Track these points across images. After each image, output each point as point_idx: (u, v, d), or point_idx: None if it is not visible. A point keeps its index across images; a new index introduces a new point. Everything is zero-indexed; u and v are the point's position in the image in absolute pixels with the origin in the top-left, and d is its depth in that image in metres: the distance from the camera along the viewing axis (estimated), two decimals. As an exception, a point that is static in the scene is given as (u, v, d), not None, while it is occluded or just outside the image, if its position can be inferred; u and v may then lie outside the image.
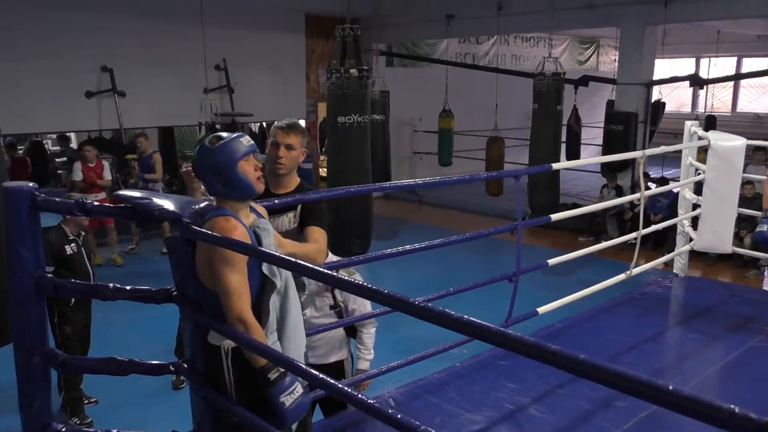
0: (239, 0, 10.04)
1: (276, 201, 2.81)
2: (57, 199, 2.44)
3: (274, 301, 2.34)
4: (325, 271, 1.80)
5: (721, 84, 17.54)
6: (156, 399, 4.50)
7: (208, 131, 9.12)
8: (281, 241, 2.56)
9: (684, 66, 18.64)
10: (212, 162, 2.24)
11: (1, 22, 8.14)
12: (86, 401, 4.50)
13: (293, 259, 1.91)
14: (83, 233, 4.51)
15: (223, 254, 2.14)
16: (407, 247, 3.72)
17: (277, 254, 2.05)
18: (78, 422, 4.30)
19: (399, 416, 1.70)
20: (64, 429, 2.30)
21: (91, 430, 4.24)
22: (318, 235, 2.90)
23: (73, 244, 4.38)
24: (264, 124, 12.93)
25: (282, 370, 2.17)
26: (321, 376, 1.91)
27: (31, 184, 2.22)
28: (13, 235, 2.17)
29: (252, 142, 2.32)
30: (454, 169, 11.88)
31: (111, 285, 2.28)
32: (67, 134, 12.12)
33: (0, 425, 4.16)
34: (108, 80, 9.10)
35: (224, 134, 2.30)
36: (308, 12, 11.45)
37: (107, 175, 8.37)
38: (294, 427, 2.42)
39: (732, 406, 1.01)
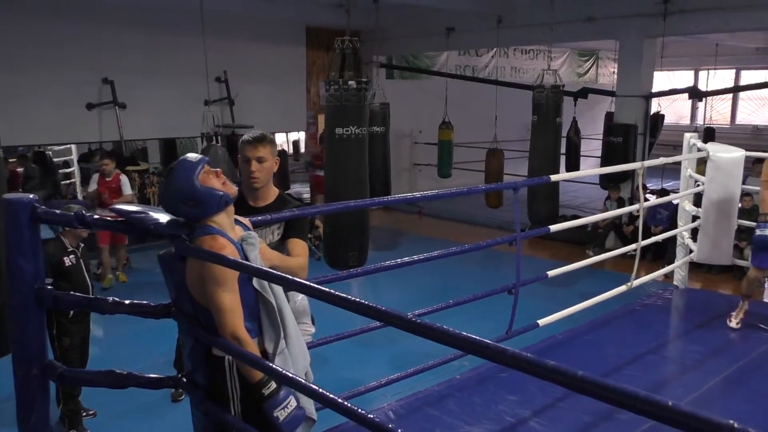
0: (240, 12, 10.09)
1: (270, 216, 2.81)
2: (57, 211, 2.45)
3: (274, 318, 2.34)
4: (315, 285, 1.79)
5: (719, 96, 17.61)
6: (155, 411, 4.49)
7: (207, 143, 9.14)
8: (266, 253, 2.55)
9: (683, 78, 18.72)
10: (174, 192, 2.21)
11: (2, 33, 8.19)
12: (85, 414, 4.48)
13: (285, 275, 1.91)
14: (82, 245, 4.49)
15: (214, 273, 2.13)
16: (406, 258, 3.72)
17: (269, 270, 2.04)
18: (76, 435, 4.28)
19: (399, 431, 1.69)
20: (62, 442, 2.30)
21: (90, 442, 4.23)
22: (300, 249, 2.90)
23: (72, 256, 4.37)
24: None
25: (276, 385, 2.19)
26: (321, 390, 1.91)
27: (31, 196, 2.22)
28: (13, 246, 2.17)
29: (200, 156, 2.31)
30: (453, 180, 11.90)
31: (110, 299, 2.28)
32: (46, 151, 12.08)
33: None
34: (109, 92, 9.14)
35: (173, 163, 2.29)
36: (309, 24, 11.52)
37: (126, 190, 7.89)
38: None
39: (731, 422, 1.01)
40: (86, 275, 4.45)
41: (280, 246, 2.93)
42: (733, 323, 5.16)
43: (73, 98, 8.91)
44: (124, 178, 7.97)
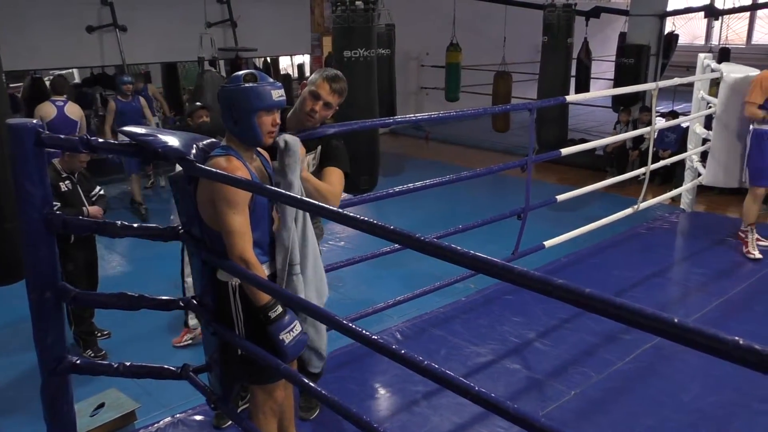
0: (240, -71, 9.69)
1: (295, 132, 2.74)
2: (61, 136, 2.43)
3: (286, 240, 2.35)
4: (332, 208, 1.77)
5: (736, 15, 17.03)
6: (168, 334, 4.60)
7: (202, 68, 8.96)
8: (308, 177, 2.55)
9: (699, -4, 18.05)
10: (234, 98, 2.20)
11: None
12: (99, 334, 4.59)
13: (297, 196, 1.90)
14: (77, 172, 4.44)
15: (225, 195, 2.13)
16: (418, 184, 3.71)
17: (281, 191, 2.03)
18: (92, 355, 4.40)
19: (403, 351, 1.72)
20: (78, 361, 2.36)
21: (105, 362, 4.35)
22: (335, 178, 2.76)
23: (67, 182, 4.33)
24: (269, 59, 12.73)
25: (281, 309, 2.22)
26: (326, 311, 1.94)
27: (34, 121, 2.20)
28: (20, 172, 2.17)
29: (284, 97, 2.25)
30: (461, 104, 11.70)
31: (119, 222, 2.29)
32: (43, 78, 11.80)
33: (15, 360, 4.27)
34: (109, 14, 8.90)
35: (260, 75, 2.22)
36: (312, -59, 11.08)
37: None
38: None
39: (737, 338, 1.02)
40: (85, 201, 4.43)
41: (316, 177, 2.80)
42: (756, 254, 5.16)
43: (72, 21, 8.69)
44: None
